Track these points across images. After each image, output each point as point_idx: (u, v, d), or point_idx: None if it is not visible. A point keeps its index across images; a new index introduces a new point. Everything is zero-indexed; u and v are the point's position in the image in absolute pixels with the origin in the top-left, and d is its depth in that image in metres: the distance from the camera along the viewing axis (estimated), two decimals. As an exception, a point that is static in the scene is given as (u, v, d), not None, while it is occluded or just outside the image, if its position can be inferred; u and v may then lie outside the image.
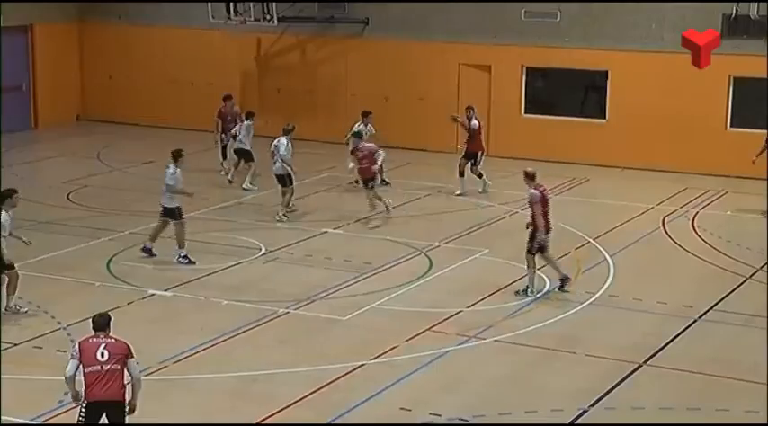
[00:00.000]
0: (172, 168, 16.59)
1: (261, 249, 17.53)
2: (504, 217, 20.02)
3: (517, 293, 15.50)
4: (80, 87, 28.47)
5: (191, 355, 13.23)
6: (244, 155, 21.99)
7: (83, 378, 9.79)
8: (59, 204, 20.15)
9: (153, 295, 15.34)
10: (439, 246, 17.96)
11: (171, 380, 12.58)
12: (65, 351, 13.07)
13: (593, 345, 13.76)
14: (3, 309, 13.94)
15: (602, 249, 17.92)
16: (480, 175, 21.45)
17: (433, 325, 14.32)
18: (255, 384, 12.54)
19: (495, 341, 13.88)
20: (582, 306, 15.19)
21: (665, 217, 20.06)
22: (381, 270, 16.64)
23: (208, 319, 14.46)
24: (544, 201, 15.62)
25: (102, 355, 9.79)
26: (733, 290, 15.89)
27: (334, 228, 18.94)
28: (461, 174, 21.37)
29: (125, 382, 9.91)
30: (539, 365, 13.22)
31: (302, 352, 13.46)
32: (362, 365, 13.07)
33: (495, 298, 15.42)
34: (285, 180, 19.43)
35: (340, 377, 12.68)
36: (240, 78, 26.91)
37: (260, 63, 27.15)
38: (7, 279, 14.17)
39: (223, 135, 22.80)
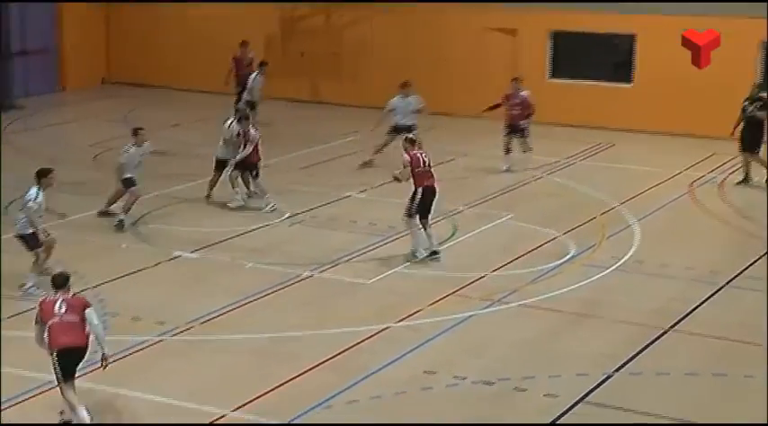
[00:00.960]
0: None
1: (285, 212, 17.56)
2: (529, 182, 19.96)
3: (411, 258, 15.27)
4: (106, 50, 28.48)
5: (216, 316, 13.31)
6: (251, 106, 22.21)
7: (47, 333, 10.38)
8: (86, 166, 20.24)
9: (179, 256, 15.42)
10: (463, 211, 17.94)
11: (196, 341, 12.68)
12: (92, 311, 13.23)
13: (619, 310, 13.75)
14: (33, 282, 14.00)
15: (627, 214, 17.84)
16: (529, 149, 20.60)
17: (457, 289, 14.33)
18: (279, 345, 12.62)
19: (520, 305, 13.88)
20: (607, 271, 15.15)
21: (692, 183, 19.94)
22: (406, 235, 16.63)
23: (233, 281, 14.54)
24: (417, 163, 15.52)
25: (60, 308, 10.48)
26: (761, 257, 15.80)
27: (359, 192, 18.94)
28: (508, 151, 20.54)
29: (86, 331, 10.45)
30: (563, 330, 13.23)
31: (326, 315, 13.52)
32: (386, 328, 13.11)
33: (520, 263, 15.40)
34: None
35: (364, 339, 12.73)
36: (264, 41, 26.84)
37: (284, 26, 27.07)
38: (42, 254, 14.21)
39: (238, 86, 23.07)
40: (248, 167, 17.75)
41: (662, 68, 23.66)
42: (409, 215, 15.49)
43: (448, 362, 12.13)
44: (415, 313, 13.54)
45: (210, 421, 10.74)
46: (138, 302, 13.65)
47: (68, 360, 10.41)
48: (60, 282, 10.81)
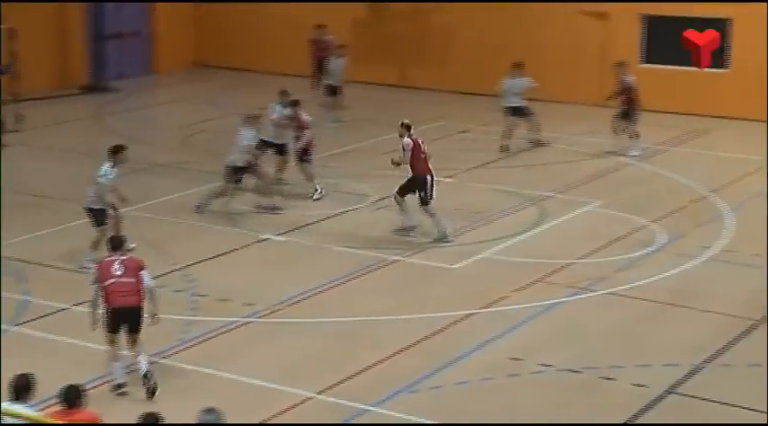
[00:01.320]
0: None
1: (372, 196, 17.59)
2: (619, 169, 19.67)
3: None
4: (197, 33, 28.81)
5: (303, 299, 13.42)
6: (331, 90, 22.21)
7: (104, 292, 10.83)
8: (176, 148, 20.52)
9: (267, 239, 15.56)
10: (551, 197, 17.76)
11: (282, 323, 12.80)
12: (182, 291, 13.46)
13: (709, 300, 13.50)
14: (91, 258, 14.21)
15: (720, 203, 17.48)
16: (637, 135, 20.28)
17: (544, 276, 14.21)
18: (366, 329, 12.67)
19: (607, 293, 13.72)
20: (697, 260, 14.88)
21: (787, 172, 19.44)
22: (492, 220, 16.57)
23: (320, 264, 14.63)
24: (419, 148, 15.59)
25: (117, 269, 10.91)
26: None
27: (446, 177, 18.87)
28: (617, 132, 20.32)
29: (141, 292, 10.90)
30: (652, 319, 13.03)
31: (411, 300, 13.53)
32: (472, 314, 13.07)
33: (608, 250, 15.21)
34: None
35: (449, 325, 12.71)
36: (351, 24, 26.86)
37: (372, 9, 27.05)
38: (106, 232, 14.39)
39: (316, 69, 23.28)
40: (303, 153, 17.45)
41: (759, 54, 23.07)
42: (426, 203, 15.47)
43: (533, 349, 12.05)
44: (501, 299, 13.48)
45: (295, 402, 10.83)
46: (226, 284, 13.82)
47: (121, 319, 10.91)
48: (116, 244, 11.27)
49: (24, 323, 12.45)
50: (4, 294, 13.04)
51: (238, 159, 16.33)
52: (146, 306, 11.01)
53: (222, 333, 12.43)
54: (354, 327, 12.72)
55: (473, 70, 25.24)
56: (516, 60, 20.96)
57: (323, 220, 16.42)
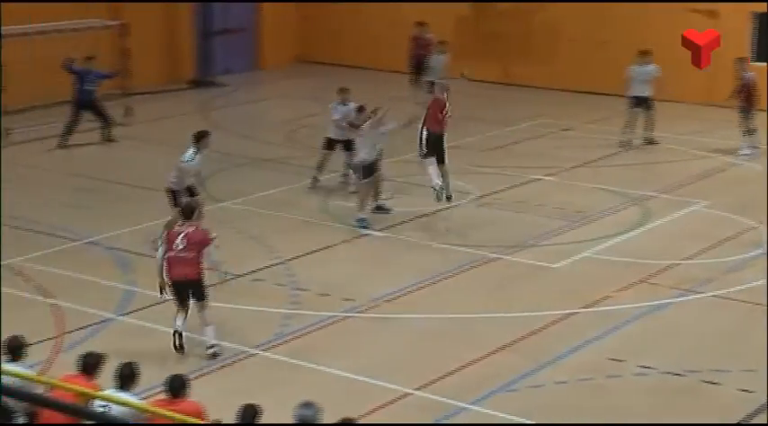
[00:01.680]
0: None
1: (472, 193, 17.51)
2: (726, 169, 19.21)
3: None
4: (301, 29, 29.06)
5: (402, 295, 13.42)
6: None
7: (166, 263, 11.52)
8: (279, 143, 20.73)
9: (366, 234, 15.61)
10: (655, 197, 17.43)
11: (381, 319, 12.83)
12: (284, 285, 13.59)
13: (820, 305, 13.08)
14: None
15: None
16: (752, 132, 19.74)
17: (647, 277, 13.96)
18: (464, 326, 12.61)
19: (713, 296, 13.41)
20: (808, 264, 14.43)
21: None
22: (594, 219, 16.34)
23: (419, 261, 14.61)
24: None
25: (180, 243, 11.49)
26: None
27: (547, 176, 18.70)
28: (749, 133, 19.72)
29: (201, 265, 11.53)
30: (759, 323, 12.66)
31: (511, 298, 13.43)
32: (572, 313, 12.92)
33: (714, 252, 14.86)
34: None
35: (548, 324, 12.58)
36: (455, 21, 26.78)
37: (476, 7, 26.92)
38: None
39: (413, 67, 23.19)
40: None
41: None
42: (425, 156, 16.04)
43: (635, 351, 11.85)
44: (603, 299, 13.28)
45: (392, 399, 10.84)
46: (326, 278, 13.90)
47: (180, 290, 11.62)
48: (188, 213, 11.87)
49: (130, 313, 12.71)
50: (111, 283, 13.35)
51: (333, 132, 17.12)
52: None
53: (321, 328, 12.51)
54: (452, 324, 12.67)
55: (576, 67, 24.93)
56: (643, 48, 20.61)
57: (423, 217, 16.40)
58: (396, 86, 23.58)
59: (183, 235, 11.55)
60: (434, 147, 16.10)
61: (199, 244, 11.55)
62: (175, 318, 11.64)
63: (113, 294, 13.09)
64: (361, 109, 16.96)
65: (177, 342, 11.57)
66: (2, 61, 19.61)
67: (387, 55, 27.36)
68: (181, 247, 11.51)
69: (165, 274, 11.60)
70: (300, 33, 29.01)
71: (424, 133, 16.09)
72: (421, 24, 23.91)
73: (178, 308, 11.67)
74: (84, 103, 19.81)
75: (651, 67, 20.32)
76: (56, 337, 11.93)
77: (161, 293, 11.74)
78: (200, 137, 14.59)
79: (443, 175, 16.13)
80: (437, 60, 22.42)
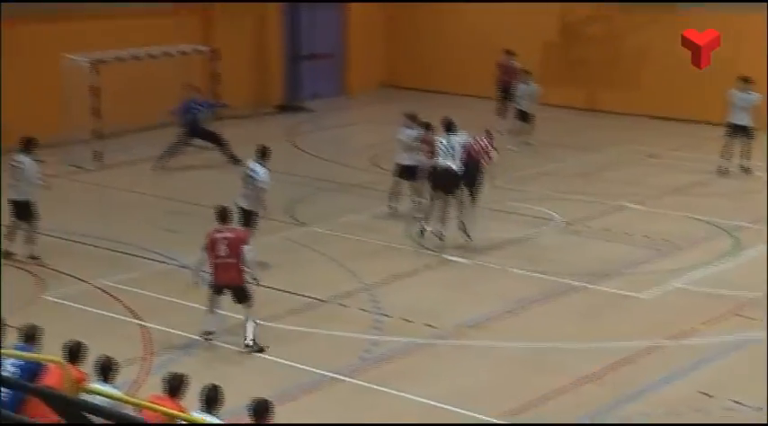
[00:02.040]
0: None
1: (558, 220, 17.39)
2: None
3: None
4: (387, 54, 29.25)
5: (485, 322, 13.36)
6: (521, 116, 21.99)
7: (212, 268, 12.28)
8: (364, 168, 20.84)
9: (450, 260, 15.58)
10: (747, 227, 17.09)
11: (464, 346, 12.78)
12: (367, 310, 13.62)
13: None
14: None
15: None
16: None
17: (738, 309, 13.68)
18: (548, 355, 12.50)
19: (808, 330, 13.07)
20: None
21: None
22: (683, 248, 16.08)
23: (503, 287, 14.55)
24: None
25: (223, 250, 12.18)
26: None
27: (635, 204, 18.47)
28: None
29: (241, 268, 12.22)
30: None
31: (597, 327, 13.28)
32: (660, 345, 12.71)
33: (808, 285, 14.49)
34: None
35: (635, 355, 12.40)
36: (542, 48, 26.70)
37: (564, 33, 26.81)
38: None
39: (500, 94, 23.15)
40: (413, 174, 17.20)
41: None
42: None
43: (725, 385, 11.60)
44: (691, 331, 13.05)
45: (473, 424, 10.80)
46: (408, 304, 13.91)
47: (220, 290, 12.38)
48: (223, 215, 12.49)
49: (215, 334, 12.84)
50: (199, 306, 13.53)
51: (404, 157, 17.13)
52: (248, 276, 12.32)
53: (404, 354, 12.50)
54: (537, 353, 12.57)
55: (664, 94, 24.64)
56: (742, 74, 20.25)
57: (507, 243, 16.32)
58: (479, 112, 23.55)
59: (224, 239, 12.21)
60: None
61: (238, 245, 12.19)
62: (209, 314, 12.42)
63: (202, 317, 13.24)
64: (428, 126, 17.13)
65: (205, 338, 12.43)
66: (97, 85, 20.07)
67: (472, 81, 27.38)
68: (224, 254, 12.18)
69: (209, 278, 12.34)
70: (388, 59, 29.20)
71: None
72: (509, 52, 23.84)
73: (211, 301, 12.38)
74: (194, 131, 20.21)
75: (753, 95, 19.92)
76: (144, 358, 12.13)
77: (194, 286, 12.63)
78: (265, 154, 14.79)
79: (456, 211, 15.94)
80: (524, 89, 22.29)
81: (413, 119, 17.63)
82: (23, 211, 15.09)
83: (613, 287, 14.56)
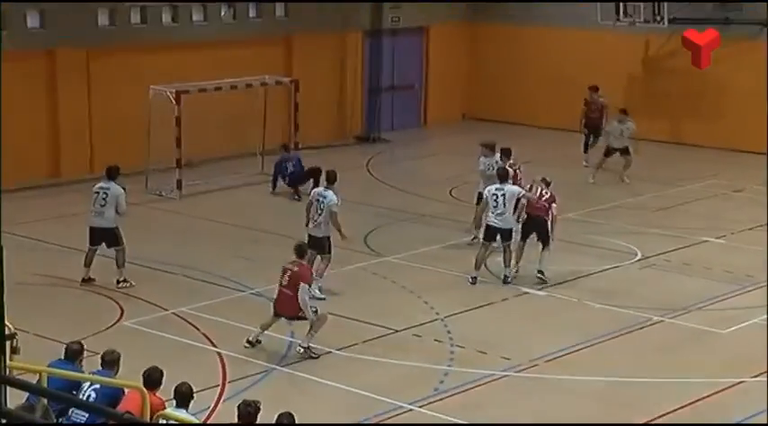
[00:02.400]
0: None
1: (637, 254, 17.15)
2: None
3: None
4: (467, 86, 29.27)
5: (562, 355, 13.21)
6: (621, 151, 21.71)
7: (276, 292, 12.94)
8: (442, 199, 20.82)
9: (526, 293, 15.46)
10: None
11: (538, 379, 12.64)
12: (441, 342, 13.57)
13: None
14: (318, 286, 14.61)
15: None
16: None
17: (822, 347, 13.31)
18: (625, 390, 12.31)
19: None
20: None
21: None
22: (764, 284, 15.72)
23: (580, 321, 14.38)
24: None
25: (284, 280, 12.79)
26: None
27: (716, 238, 18.15)
28: None
29: (298, 303, 12.63)
30: None
31: (676, 363, 13.04)
32: (740, 382, 12.43)
33: None
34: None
35: (715, 392, 12.15)
36: (626, 80, 26.48)
37: (647, 65, 26.56)
38: (320, 259, 14.80)
39: (585, 129, 22.86)
40: None
41: None
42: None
43: (808, 425, 11.30)
44: (773, 368, 12.74)
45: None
46: (484, 336, 13.82)
47: (280, 318, 13.06)
48: (299, 252, 13.07)
49: (289, 364, 12.92)
50: (273, 334, 13.60)
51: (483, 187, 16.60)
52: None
53: (478, 386, 12.42)
54: (614, 387, 12.38)
55: (747, 127, 24.24)
56: None
57: (585, 276, 16.15)
58: (557, 144, 23.44)
59: (289, 272, 12.75)
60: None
61: (297, 282, 12.59)
62: (260, 328, 13.05)
63: (276, 345, 13.34)
64: (506, 153, 17.21)
65: (251, 340, 13.03)
66: (179, 115, 20.42)
67: (554, 113, 27.25)
68: (284, 283, 12.76)
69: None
70: (468, 91, 29.22)
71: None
72: (593, 89, 23.44)
73: (262, 326, 13.05)
74: (295, 182, 20.48)
75: None
76: (220, 385, 12.24)
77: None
78: (335, 179, 14.86)
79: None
80: (615, 128, 21.89)
81: (490, 148, 17.60)
82: (107, 238, 15.32)
83: (693, 322, 14.31)
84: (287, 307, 12.87)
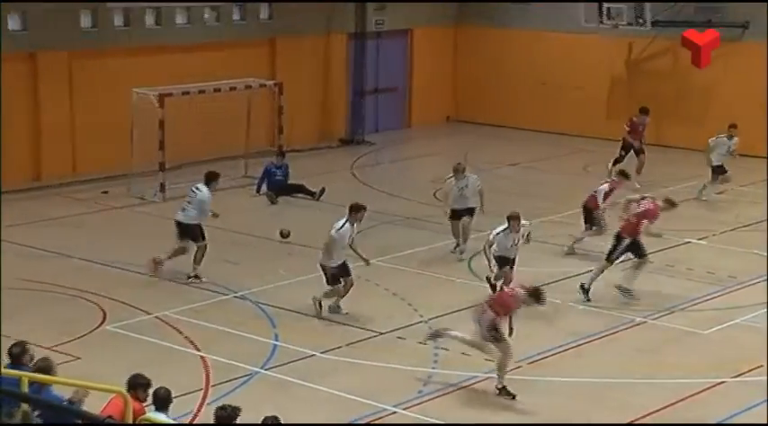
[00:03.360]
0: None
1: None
2: None
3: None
4: (451, 89, 29.31)
5: (546, 357, 13.24)
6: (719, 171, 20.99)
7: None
8: (426, 201, 20.82)
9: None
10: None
11: (525, 381, 12.64)
12: (425, 344, 13.56)
13: None
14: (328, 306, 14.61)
15: None
16: None
17: (804, 347, 13.38)
18: (609, 391, 12.34)
19: None
20: None
21: None
22: (747, 285, 15.80)
23: (564, 323, 14.41)
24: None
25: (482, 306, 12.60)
26: None
27: (698, 239, 18.22)
28: None
29: None
30: None
31: (659, 363, 13.08)
32: (722, 382, 12.48)
33: None
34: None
35: (698, 392, 12.19)
36: (609, 83, 26.58)
37: (630, 68, 26.65)
38: (344, 283, 14.63)
39: (623, 151, 22.32)
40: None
41: None
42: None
43: (790, 424, 11.35)
44: (756, 368, 12.79)
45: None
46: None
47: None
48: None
49: (275, 367, 12.89)
50: (257, 338, 13.57)
51: (456, 202, 17.14)
52: None
53: (462, 388, 12.42)
54: (597, 388, 12.41)
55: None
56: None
57: (568, 278, 16.18)
58: (550, 148, 23.45)
59: (488, 300, 12.72)
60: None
61: (499, 309, 12.42)
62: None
63: (260, 348, 13.31)
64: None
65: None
66: (162, 118, 20.37)
67: (538, 115, 27.31)
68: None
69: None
70: (452, 93, 29.26)
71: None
72: (643, 111, 22.87)
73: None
74: (280, 191, 20.69)
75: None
76: (202, 389, 12.20)
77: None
78: (353, 210, 14.62)
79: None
80: (723, 142, 21.10)
81: (459, 171, 17.38)
82: (187, 232, 15.92)
83: (676, 322, 14.36)
84: None
